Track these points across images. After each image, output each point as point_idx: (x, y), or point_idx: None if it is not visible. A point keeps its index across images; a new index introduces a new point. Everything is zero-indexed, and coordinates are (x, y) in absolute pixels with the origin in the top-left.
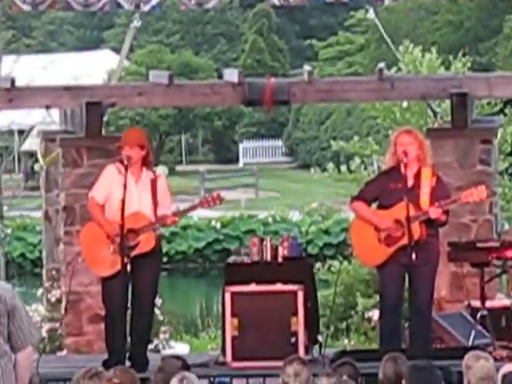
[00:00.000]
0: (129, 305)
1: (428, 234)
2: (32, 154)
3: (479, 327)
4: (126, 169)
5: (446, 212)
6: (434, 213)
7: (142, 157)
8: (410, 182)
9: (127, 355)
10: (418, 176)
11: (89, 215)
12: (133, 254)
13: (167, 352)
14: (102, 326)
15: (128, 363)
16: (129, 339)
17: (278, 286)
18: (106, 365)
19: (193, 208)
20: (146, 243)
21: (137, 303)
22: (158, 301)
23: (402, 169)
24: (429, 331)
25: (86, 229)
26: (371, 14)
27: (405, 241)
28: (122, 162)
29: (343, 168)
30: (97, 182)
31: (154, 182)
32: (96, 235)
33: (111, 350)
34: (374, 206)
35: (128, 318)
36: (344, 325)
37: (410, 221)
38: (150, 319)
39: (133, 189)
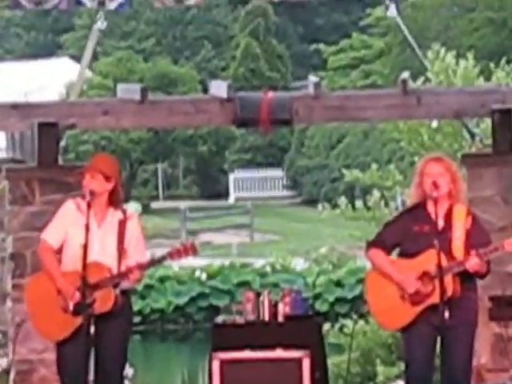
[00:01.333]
0: (91, 376)
1: (464, 288)
2: None
3: None
4: (89, 206)
5: (487, 261)
6: (472, 264)
7: (109, 191)
8: (440, 224)
9: None
10: (448, 216)
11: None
12: (90, 312)
13: None
14: None
15: None
16: None
17: (279, 353)
18: None
19: (159, 260)
20: (102, 302)
21: (100, 375)
22: (130, 371)
23: (430, 207)
24: None
25: (33, 281)
26: (392, 12)
27: (435, 298)
28: (83, 196)
29: (359, 204)
30: (51, 221)
31: (122, 224)
32: (45, 289)
33: None
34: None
35: None
36: None
37: (443, 273)
38: None
39: (94, 232)
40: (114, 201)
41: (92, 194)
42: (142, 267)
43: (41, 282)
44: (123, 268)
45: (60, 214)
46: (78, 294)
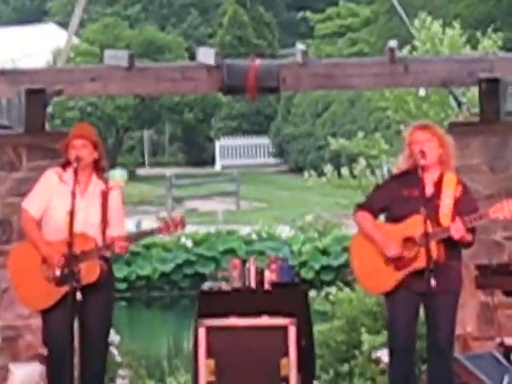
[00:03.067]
0: (76, 344)
1: (448, 256)
2: None
3: None
4: (76, 173)
5: (472, 230)
6: (457, 231)
7: (94, 160)
8: (429, 191)
9: None
10: (438, 183)
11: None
12: (74, 283)
13: None
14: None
15: None
16: None
17: (265, 320)
18: None
19: (148, 233)
20: (88, 273)
21: (86, 342)
22: (115, 338)
23: (420, 173)
24: (451, 376)
25: (17, 250)
26: None
27: (419, 263)
28: (64, 165)
29: (345, 172)
30: (32, 190)
31: (105, 195)
32: (28, 259)
33: None
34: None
35: (77, 360)
36: (346, 367)
37: (428, 239)
38: (103, 361)
39: (78, 201)
40: (99, 170)
41: (79, 161)
42: (130, 239)
43: (24, 252)
44: (106, 239)
45: (41, 183)
46: (63, 261)
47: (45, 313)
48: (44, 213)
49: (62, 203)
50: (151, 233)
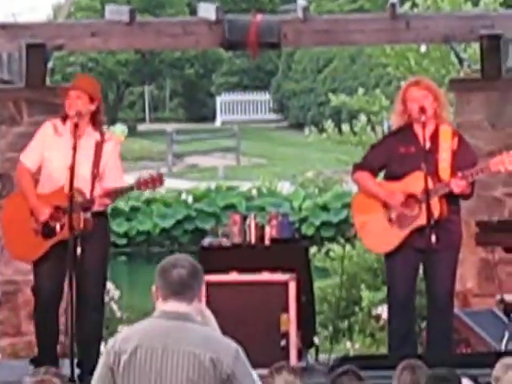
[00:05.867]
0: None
1: (449, 210)
2: None
3: None
4: (76, 126)
5: (471, 183)
6: (457, 185)
7: (91, 112)
8: (427, 145)
9: (75, 361)
10: (435, 137)
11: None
12: (56, 239)
13: None
14: None
15: (77, 370)
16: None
17: (265, 276)
18: (35, 363)
19: (127, 189)
20: (78, 223)
21: (80, 296)
22: (115, 293)
23: (417, 129)
24: (451, 332)
25: (8, 201)
26: None
27: (422, 220)
28: (63, 117)
29: (345, 128)
30: (29, 142)
31: (98, 146)
32: (19, 210)
33: (41, 345)
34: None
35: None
36: (346, 324)
37: (429, 195)
38: (99, 315)
39: (68, 154)
40: (95, 122)
41: (79, 115)
42: (109, 195)
43: (16, 203)
44: (98, 190)
45: (38, 136)
46: (47, 214)
47: (35, 265)
48: (40, 165)
49: (56, 155)
50: (130, 188)
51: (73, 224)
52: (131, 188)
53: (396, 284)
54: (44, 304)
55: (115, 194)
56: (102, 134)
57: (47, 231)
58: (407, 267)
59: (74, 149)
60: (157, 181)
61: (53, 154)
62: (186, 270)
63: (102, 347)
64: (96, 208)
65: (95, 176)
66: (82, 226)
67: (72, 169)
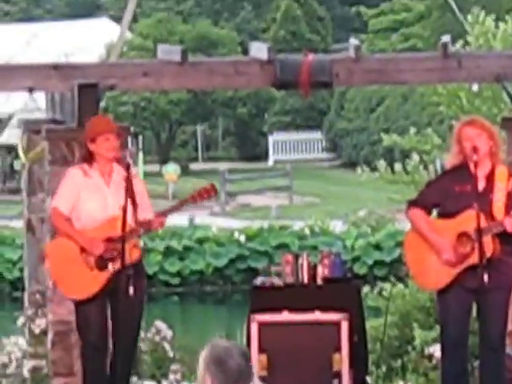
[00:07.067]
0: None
1: (502, 251)
2: (11, 149)
3: None
4: (128, 167)
5: None
6: (511, 224)
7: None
8: (482, 185)
9: None
10: (490, 177)
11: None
12: (116, 266)
13: None
14: None
15: None
16: None
17: (317, 315)
18: None
19: (182, 204)
20: (130, 253)
21: (116, 333)
22: (168, 333)
23: (472, 168)
24: (504, 372)
25: (52, 247)
26: None
27: (474, 259)
28: (87, 161)
29: (398, 167)
30: (58, 189)
31: (128, 181)
32: (66, 251)
33: None
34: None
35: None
36: (399, 363)
37: (482, 234)
38: (130, 355)
39: (106, 191)
40: (118, 158)
41: (117, 151)
42: (165, 214)
43: (59, 246)
44: (138, 220)
45: (67, 181)
46: (101, 247)
47: (81, 304)
48: (73, 209)
49: (92, 195)
50: (184, 202)
51: (125, 255)
52: (186, 202)
53: (449, 323)
54: (93, 344)
55: (169, 211)
56: (127, 168)
57: (103, 263)
58: (460, 306)
59: (126, 189)
60: (210, 191)
61: (89, 194)
62: (241, 358)
63: None
64: (154, 227)
65: (135, 207)
66: (140, 250)
67: (124, 210)
